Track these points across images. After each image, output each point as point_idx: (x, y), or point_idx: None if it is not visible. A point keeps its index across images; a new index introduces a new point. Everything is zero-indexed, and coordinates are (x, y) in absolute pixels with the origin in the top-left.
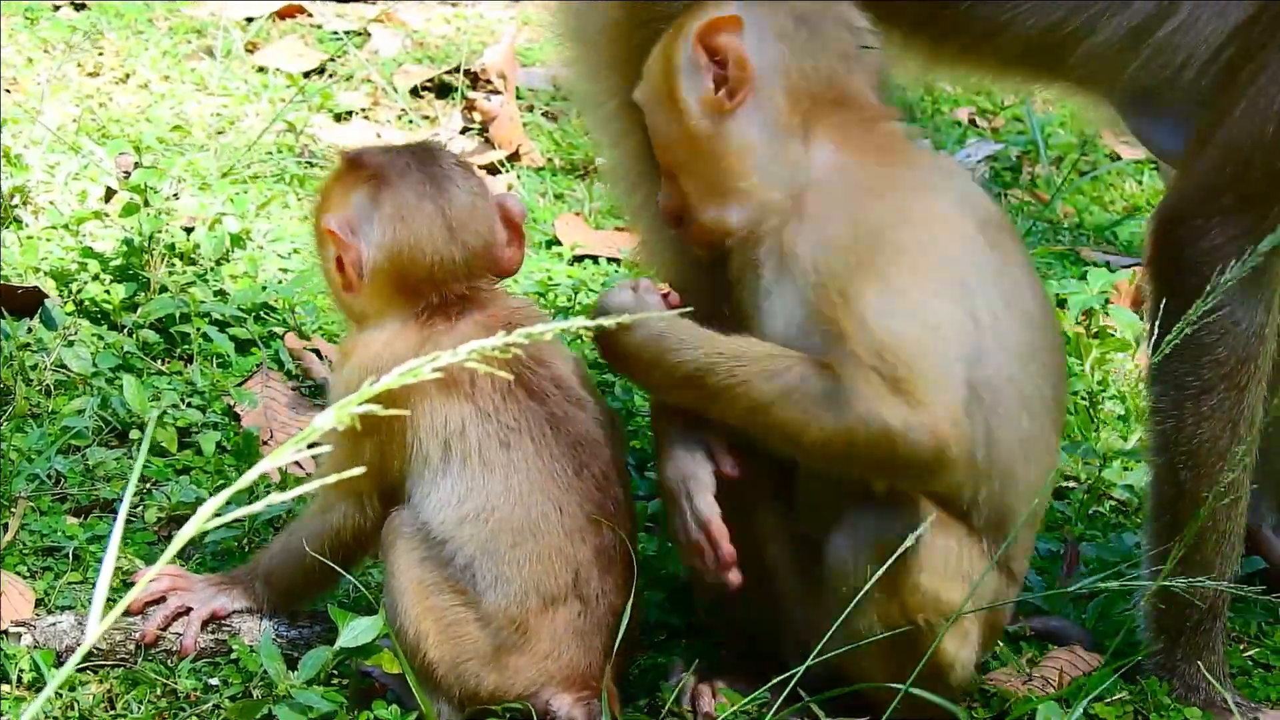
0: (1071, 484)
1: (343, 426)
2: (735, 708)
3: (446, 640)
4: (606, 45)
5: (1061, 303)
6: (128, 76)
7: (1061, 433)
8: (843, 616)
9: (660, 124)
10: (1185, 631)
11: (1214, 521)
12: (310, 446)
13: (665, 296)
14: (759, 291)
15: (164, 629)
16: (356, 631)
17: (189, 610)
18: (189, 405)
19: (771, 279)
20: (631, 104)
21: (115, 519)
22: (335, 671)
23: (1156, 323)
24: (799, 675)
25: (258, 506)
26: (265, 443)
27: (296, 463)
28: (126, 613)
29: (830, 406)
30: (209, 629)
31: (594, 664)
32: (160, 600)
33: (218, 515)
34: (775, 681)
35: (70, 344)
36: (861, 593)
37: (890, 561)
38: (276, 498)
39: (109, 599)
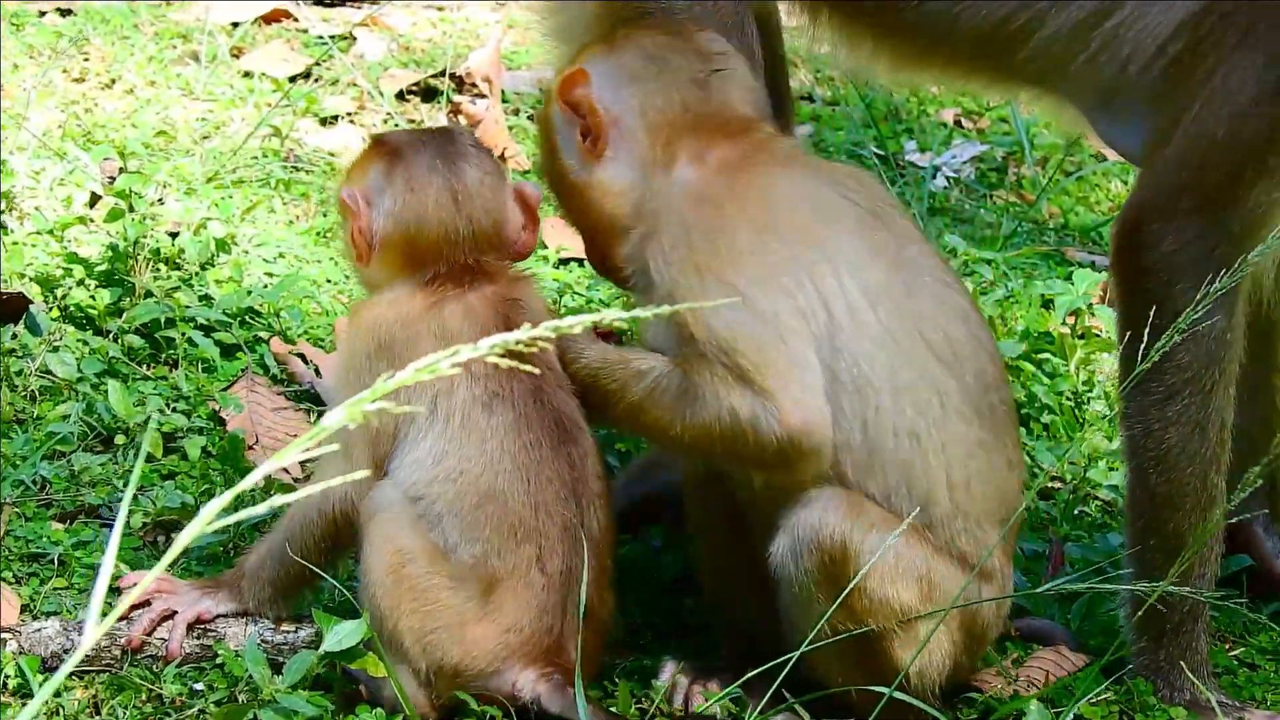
0: (1057, 484)
1: (354, 424)
2: (711, 701)
3: (417, 610)
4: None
5: (1047, 303)
6: (113, 82)
7: (1008, 430)
8: (827, 622)
9: (554, 185)
10: (1167, 633)
11: (1189, 525)
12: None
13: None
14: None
15: (149, 634)
16: (341, 635)
17: (174, 614)
18: (174, 410)
19: (640, 298)
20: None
21: (101, 524)
22: (320, 675)
23: (1124, 327)
24: (780, 677)
25: (260, 509)
26: (250, 447)
27: (284, 469)
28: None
29: (688, 403)
30: (194, 634)
31: (558, 642)
32: (145, 605)
33: (219, 518)
34: (749, 675)
35: (55, 349)
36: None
37: (858, 577)
38: (276, 500)
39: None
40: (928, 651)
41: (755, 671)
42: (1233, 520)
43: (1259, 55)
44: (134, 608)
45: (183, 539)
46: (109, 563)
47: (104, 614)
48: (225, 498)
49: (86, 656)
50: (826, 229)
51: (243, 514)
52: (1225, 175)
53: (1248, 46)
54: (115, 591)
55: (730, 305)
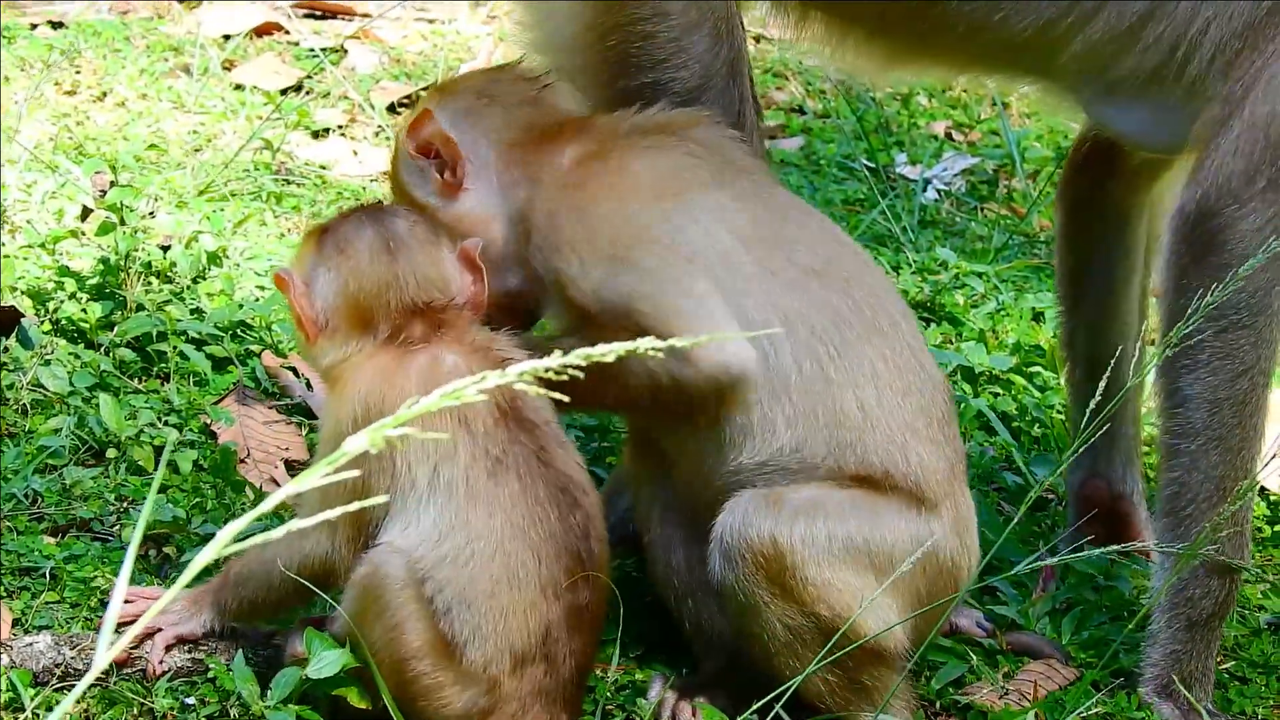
0: (1050, 496)
1: (375, 449)
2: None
3: (417, 704)
4: (579, 52)
5: (1038, 316)
6: (105, 95)
7: (913, 343)
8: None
9: None
10: (1195, 626)
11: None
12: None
13: None
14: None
15: (133, 649)
16: (323, 664)
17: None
18: (166, 424)
19: (546, 312)
20: (608, 109)
21: (93, 538)
22: (308, 691)
23: (1184, 319)
24: (785, 697)
25: (276, 533)
26: (242, 461)
27: (271, 479)
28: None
29: (609, 375)
30: (185, 647)
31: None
32: (133, 621)
33: (237, 541)
34: (758, 705)
35: (47, 363)
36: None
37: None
38: (295, 524)
39: (86, 619)
40: (892, 612)
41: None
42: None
43: None
44: (124, 624)
45: (196, 564)
46: (122, 585)
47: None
48: (240, 523)
49: (76, 670)
50: (685, 187)
51: (276, 532)
52: None
53: None
54: (105, 604)
55: (612, 272)
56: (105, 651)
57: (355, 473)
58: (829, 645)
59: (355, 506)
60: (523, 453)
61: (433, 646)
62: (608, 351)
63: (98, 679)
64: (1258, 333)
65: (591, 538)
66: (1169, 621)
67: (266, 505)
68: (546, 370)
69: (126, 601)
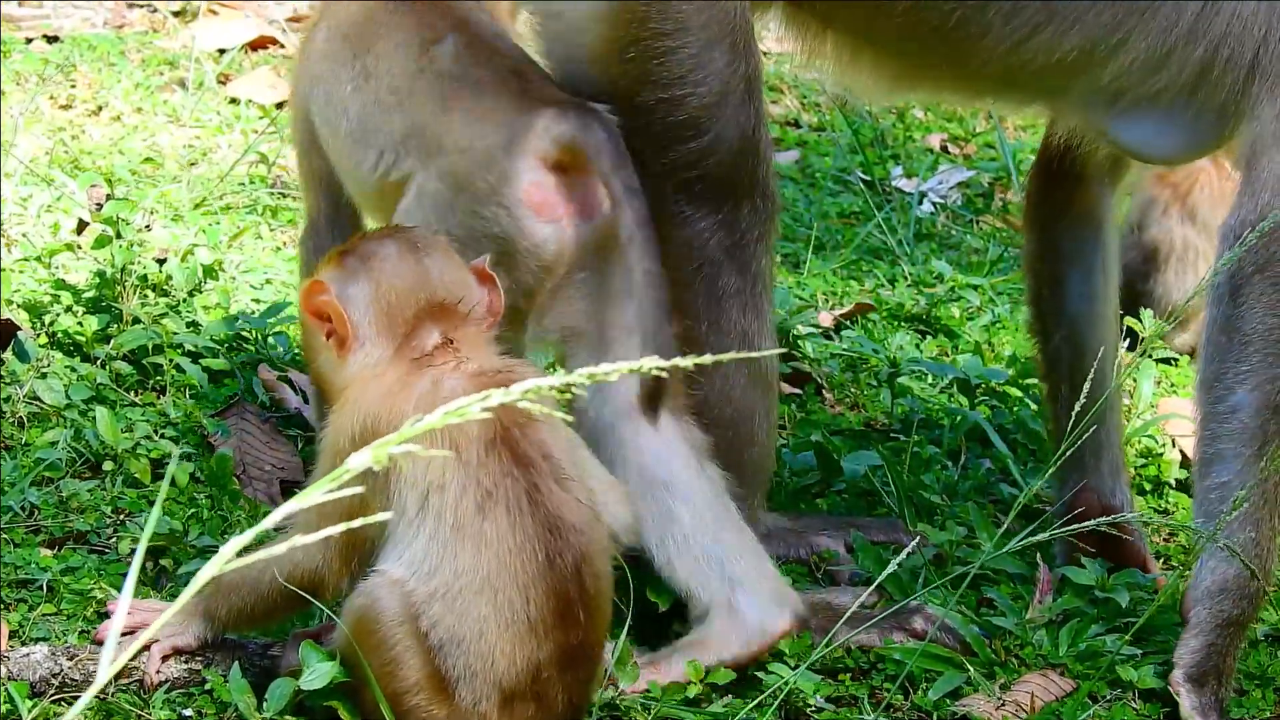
0: (1046, 508)
1: (379, 466)
2: None
3: None
4: (597, 66)
5: None
6: (100, 109)
7: None
8: None
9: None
10: (1227, 625)
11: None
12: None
13: None
14: None
15: (130, 660)
16: (315, 676)
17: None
18: (162, 437)
19: None
20: (625, 124)
21: (89, 550)
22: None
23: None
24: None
25: (279, 548)
26: (238, 474)
27: (269, 496)
28: (98, 644)
29: None
30: (181, 659)
31: None
32: (131, 634)
33: (239, 555)
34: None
35: (43, 376)
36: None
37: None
38: (300, 540)
39: (83, 631)
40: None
41: None
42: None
43: None
44: (125, 634)
45: (200, 577)
46: (126, 598)
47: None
48: (244, 539)
49: (73, 681)
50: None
51: (279, 548)
52: None
53: None
54: (101, 616)
55: None
56: (109, 665)
57: (355, 490)
58: None
59: (344, 527)
60: (514, 488)
61: (429, 681)
62: (611, 370)
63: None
64: None
65: (584, 577)
66: (1210, 615)
67: (269, 522)
68: (550, 390)
69: (106, 614)
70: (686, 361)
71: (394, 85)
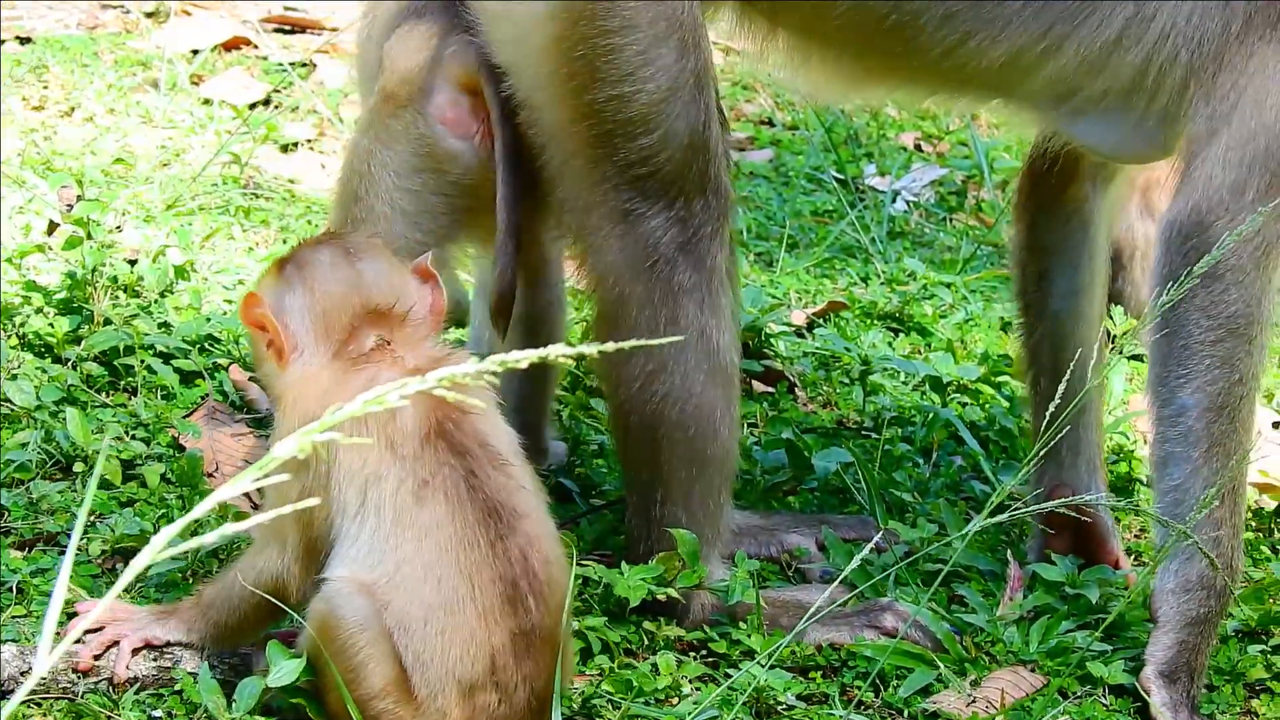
0: (1019, 504)
1: (303, 455)
2: None
3: None
4: (546, 63)
5: (1006, 326)
6: (72, 110)
7: None
8: None
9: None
10: (1196, 622)
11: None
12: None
13: None
14: None
15: (98, 658)
16: (282, 672)
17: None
18: (133, 438)
19: None
20: (575, 122)
21: (60, 552)
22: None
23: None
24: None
25: (209, 538)
26: (210, 475)
27: (247, 495)
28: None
29: None
30: (150, 657)
31: None
32: (99, 630)
33: (168, 547)
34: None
35: (14, 377)
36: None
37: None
38: (229, 528)
39: (56, 633)
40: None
41: None
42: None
43: None
44: (88, 633)
45: (134, 566)
46: (61, 589)
47: (56, 640)
48: (176, 526)
49: (43, 682)
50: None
51: (193, 541)
52: None
53: None
54: (71, 617)
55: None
56: (47, 655)
57: (285, 477)
58: None
59: (282, 510)
60: (451, 476)
61: (395, 686)
62: (523, 358)
63: (65, 689)
64: (1250, 340)
65: (531, 561)
66: (1178, 613)
67: (198, 511)
68: (466, 377)
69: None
70: (598, 348)
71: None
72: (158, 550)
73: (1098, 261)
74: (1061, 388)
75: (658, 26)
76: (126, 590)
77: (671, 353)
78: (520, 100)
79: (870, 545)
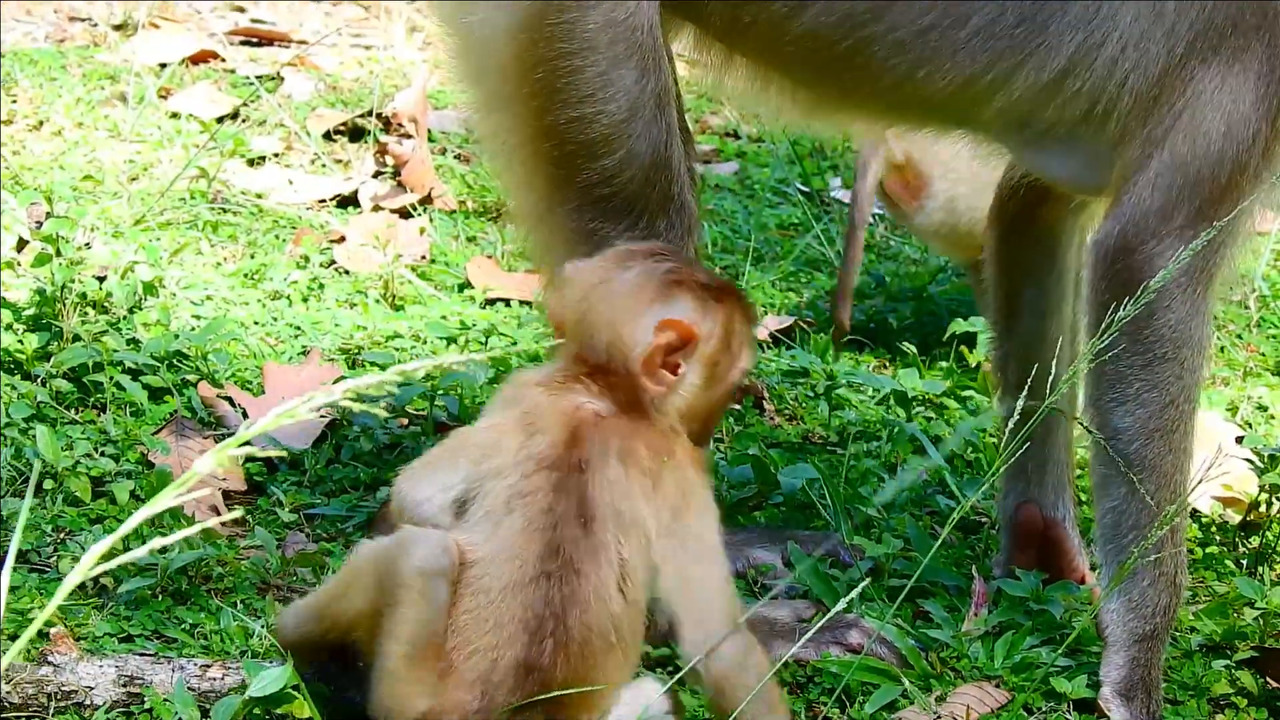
0: (982, 519)
1: (223, 470)
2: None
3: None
4: (507, 84)
5: (971, 340)
6: (41, 124)
7: None
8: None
9: None
10: (1145, 639)
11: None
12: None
13: None
14: None
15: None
16: (266, 681)
17: None
18: (102, 454)
19: None
20: (537, 141)
21: (30, 569)
22: None
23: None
24: None
25: (140, 552)
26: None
27: (214, 509)
28: (46, 663)
29: None
30: (121, 683)
31: None
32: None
33: (104, 559)
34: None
35: None
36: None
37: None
38: (158, 542)
39: (28, 652)
40: None
41: None
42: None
43: (1248, 73)
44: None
45: (74, 574)
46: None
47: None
48: (106, 542)
49: (10, 704)
50: None
51: (138, 551)
52: (1217, 188)
53: (1237, 64)
54: (44, 637)
55: None
56: None
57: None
58: None
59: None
60: (541, 504)
61: (425, 639)
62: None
63: (35, 712)
64: (1182, 364)
65: (569, 617)
66: (1126, 632)
67: (131, 524)
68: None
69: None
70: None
71: None
72: (90, 565)
73: (1066, 282)
74: (1020, 404)
75: (617, 48)
76: (98, 609)
77: None
78: (481, 116)
79: (819, 551)
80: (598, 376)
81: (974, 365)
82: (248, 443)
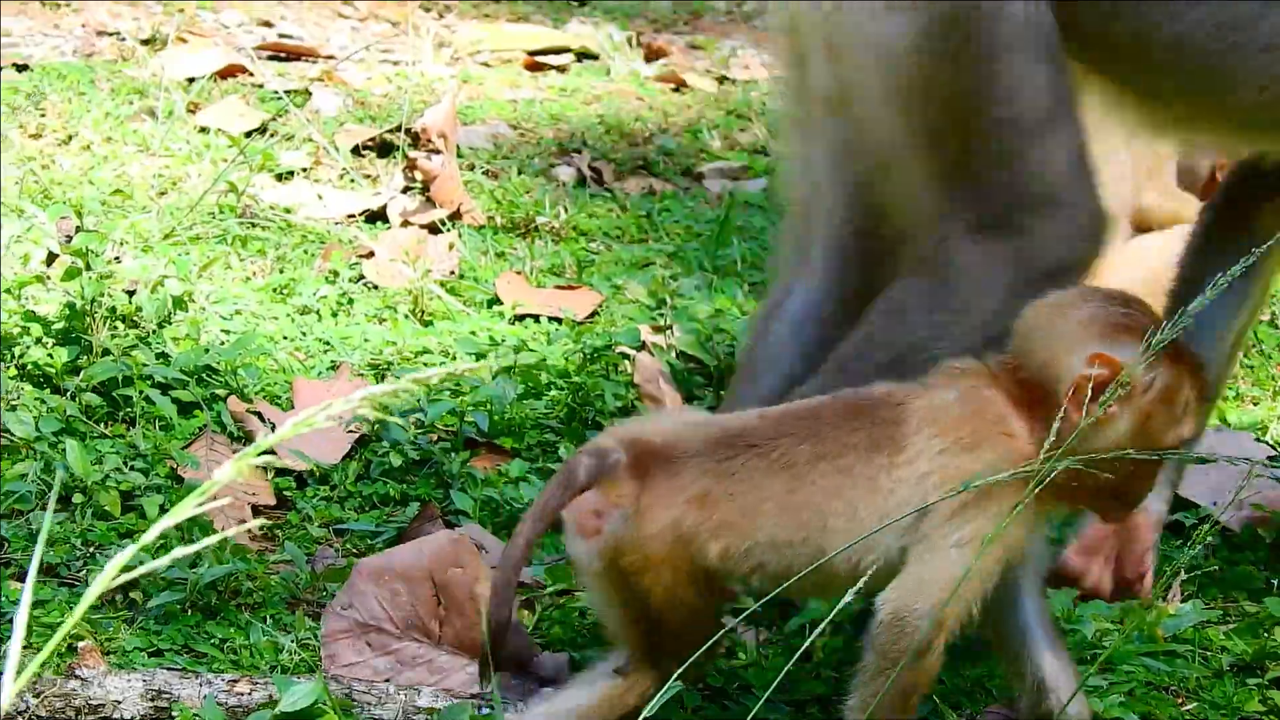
0: None
1: (252, 484)
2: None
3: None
4: (912, 87)
5: None
6: (70, 138)
7: None
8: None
9: None
10: None
11: None
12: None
13: None
14: None
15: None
16: (296, 697)
17: None
18: (132, 469)
19: None
20: (937, 146)
21: (59, 583)
22: None
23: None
24: None
25: (162, 561)
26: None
27: (243, 522)
28: (73, 677)
29: None
30: (148, 696)
31: None
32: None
33: (126, 570)
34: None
35: (13, 408)
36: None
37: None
38: (179, 551)
39: (56, 665)
40: None
41: None
42: None
43: None
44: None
45: (96, 585)
46: (21, 620)
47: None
48: (126, 553)
49: (39, 717)
50: None
51: (158, 562)
52: None
53: None
54: (73, 650)
55: None
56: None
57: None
58: None
59: None
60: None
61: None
62: (438, 374)
63: None
64: None
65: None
66: None
67: (152, 534)
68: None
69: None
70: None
71: None
72: (110, 576)
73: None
74: None
75: (1034, 47)
76: (128, 623)
77: None
78: (855, 128)
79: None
80: (1019, 389)
81: None
82: (270, 451)
